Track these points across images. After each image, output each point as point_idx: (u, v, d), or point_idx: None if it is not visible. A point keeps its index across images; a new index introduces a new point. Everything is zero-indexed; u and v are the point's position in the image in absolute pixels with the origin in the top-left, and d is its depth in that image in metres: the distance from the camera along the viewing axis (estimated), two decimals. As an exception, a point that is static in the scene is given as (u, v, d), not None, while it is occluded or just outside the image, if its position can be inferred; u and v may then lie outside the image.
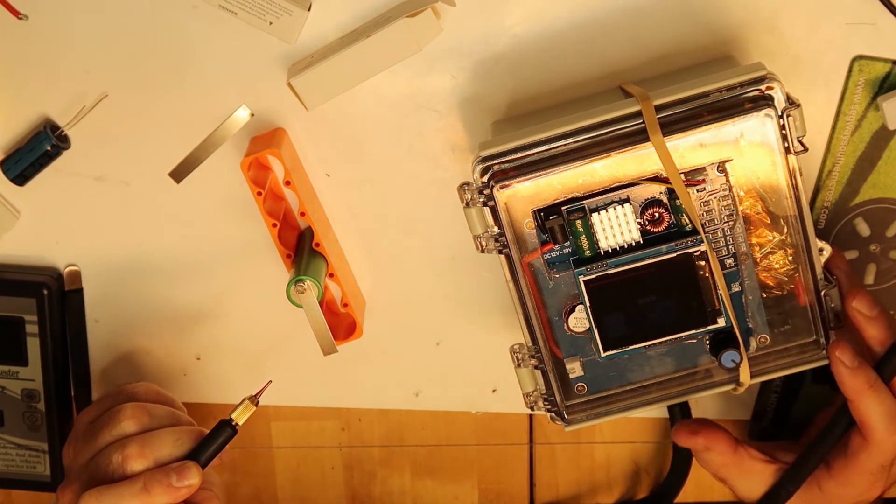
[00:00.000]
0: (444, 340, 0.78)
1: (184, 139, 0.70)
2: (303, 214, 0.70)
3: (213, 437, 0.67)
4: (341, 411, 0.81)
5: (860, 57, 0.68)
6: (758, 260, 0.65)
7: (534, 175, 0.63)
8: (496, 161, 0.63)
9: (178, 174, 0.70)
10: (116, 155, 0.73)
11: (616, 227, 0.64)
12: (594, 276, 0.64)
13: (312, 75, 0.67)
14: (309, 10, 0.67)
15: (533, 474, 0.82)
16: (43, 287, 0.75)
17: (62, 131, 0.72)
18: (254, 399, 0.68)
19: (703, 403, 0.78)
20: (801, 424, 0.77)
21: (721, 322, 0.65)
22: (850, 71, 0.68)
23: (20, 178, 0.72)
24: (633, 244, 0.64)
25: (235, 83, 0.70)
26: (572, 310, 0.66)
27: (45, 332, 0.76)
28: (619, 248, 0.64)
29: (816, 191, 0.71)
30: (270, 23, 0.67)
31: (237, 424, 0.68)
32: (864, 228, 0.72)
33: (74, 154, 0.73)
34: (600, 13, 0.68)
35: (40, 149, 0.71)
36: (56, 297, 0.76)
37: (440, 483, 0.83)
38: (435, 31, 0.65)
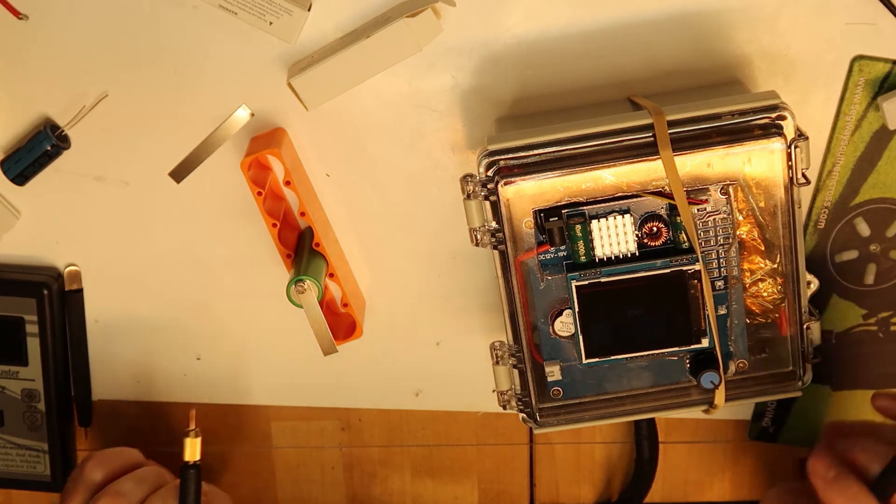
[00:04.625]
0: (444, 340, 0.78)
1: (184, 139, 0.70)
2: (303, 214, 0.70)
3: (187, 485, 0.68)
4: (341, 411, 0.81)
5: (860, 57, 0.68)
6: (747, 286, 0.66)
7: (539, 175, 0.63)
8: (503, 157, 0.63)
9: (178, 174, 0.70)
10: (116, 155, 0.73)
11: (614, 237, 0.64)
12: (586, 282, 0.65)
13: (312, 75, 0.67)
14: (309, 10, 0.67)
15: (533, 474, 0.82)
16: (43, 287, 0.75)
17: (62, 131, 0.72)
18: (192, 432, 0.69)
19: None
20: (800, 425, 0.77)
21: (704, 342, 0.66)
22: (850, 71, 0.68)
23: (20, 178, 0.72)
24: (629, 255, 0.64)
25: (235, 83, 0.70)
26: (559, 314, 0.66)
27: (45, 332, 0.76)
28: (615, 257, 0.64)
29: (816, 191, 0.71)
30: (270, 23, 0.67)
31: (197, 462, 0.68)
32: (864, 228, 0.72)
33: (74, 154, 0.73)
34: (600, 18, 0.68)
35: (40, 149, 0.71)
36: (56, 297, 0.76)
37: (440, 483, 0.83)
38: (435, 31, 0.65)
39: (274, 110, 0.71)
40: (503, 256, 0.65)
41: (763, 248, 0.65)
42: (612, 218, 0.64)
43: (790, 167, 0.63)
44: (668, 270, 0.64)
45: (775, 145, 0.62)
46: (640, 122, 0.63)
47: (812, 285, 0.67)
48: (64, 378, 0.78)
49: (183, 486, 0.68)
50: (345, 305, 0.73)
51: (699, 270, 0.64)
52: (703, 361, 0.67)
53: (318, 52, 0.69)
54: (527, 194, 0.63)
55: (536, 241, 0.65)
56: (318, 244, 0.71)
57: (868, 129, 0.70)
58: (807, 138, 0.62)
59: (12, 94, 0.72)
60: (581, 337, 0.66)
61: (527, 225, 0.64)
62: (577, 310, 0.65)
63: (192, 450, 0.68)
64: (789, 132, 0.62)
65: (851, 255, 0.73)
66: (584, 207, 0.64)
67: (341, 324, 0.74)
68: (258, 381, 0.80)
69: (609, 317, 0.65)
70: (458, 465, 0.82)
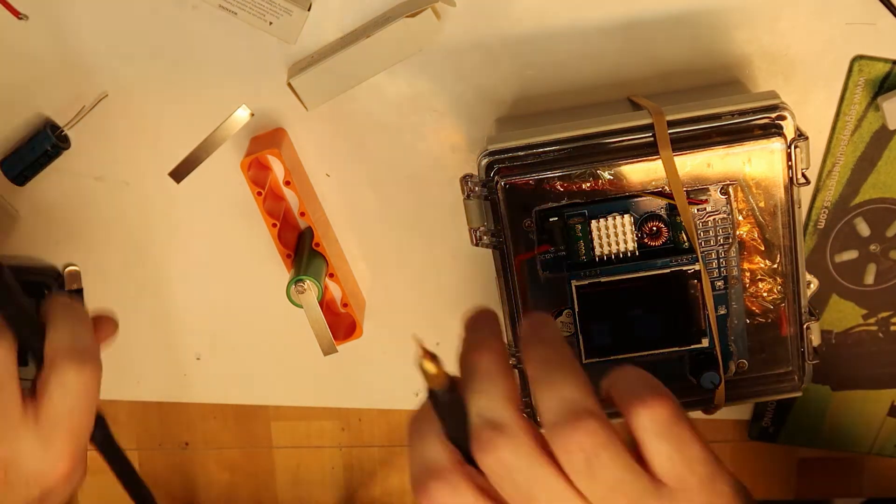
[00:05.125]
0: (444, 340, 0.77)
1: (184, 139, 0.70)
2: (303, 214, 0.70)
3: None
4: (341, 411, 0.81)
5: (860, 57, 0.68)
6: (746, 286, 0.66)
7: (539, 175, 0.63)
8: (503, 157, 0.63)
9: (178, 174, 0.70)
10: (116, 155, 0.73)
11: (613, 237, 0.64)
12: (586, 282, 0.64)
13: (312, 75, 0.67)
14: (309, 10, 0.67)
15: (533, 474, 0.82)
16: (43, 287, 0.75)
17: (62, 131, 0.72)
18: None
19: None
20: (800, 425, 0.77)
21: (704, 342, 0.66)
22: (850, 71, 0.68)
23: (20, 178, 0.72)
24: (629, 255, 0.64)
25: (235, 83, 0.70)
26: (559, 314, 0.66)
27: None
28: (615, 257, 0.64)
29: (816, 191, 0.71)
30: (270, 23, 0.67)
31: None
32: (864, 228, 0.72)
33: (74, 154, 0.73)
34: (600, 18, 0.68)
35: (40, 149, 0.71)
36: (56, 296, 0.76)
37: (440, 483, 0.83)
38: (435, 31, 0.65)
39: (274, 110, 0.71)
40: (503, 256, 0.65)
41: (763, 248, 0.65)
42: (612, 218, 0.64)
43: (790, 167, 0.63)
44: (668, 270, 0.64)
45: (775, 145, 0.62)
46: (640, 122, 0.63)
47: (812, 285, 0.67)
48: (64, 378, 0.78)
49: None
50: (345, 305, 0.73)
51: (699, 270, 0.64)
52: (703, 361, 0.66)
53: (318, 52, 0.69)
54: (527, 194, 0.63)
55: (536, 241, 0.65)
56: (318, 244, 0.71)
57: (868, 129, 0.70)
58: (807, 138, 0.62)
59: (12, 94, 0.72)
60: (581, 337, 0.66)
61: (526, 225, 0.64)
62: (576, 310, 0.65)
63: None
64: (789, 132, 0.62)
65: (851, 255, 0.73)
66: (584, 207, 0.64)
67: (341, 324, 0.74)
68: (258, 381, 0.80)
69: (609, 317, 0.65)
70: (458, 465, 0.82)
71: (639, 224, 0.64)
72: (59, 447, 0.57)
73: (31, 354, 0.58)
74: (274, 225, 0.70)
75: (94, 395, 0.58)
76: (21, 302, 0.57)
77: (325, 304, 0.73)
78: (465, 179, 0.64)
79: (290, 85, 0.67)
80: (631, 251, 0.64)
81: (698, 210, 0.64)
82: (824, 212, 0.72)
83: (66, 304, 0.60)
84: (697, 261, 0.64)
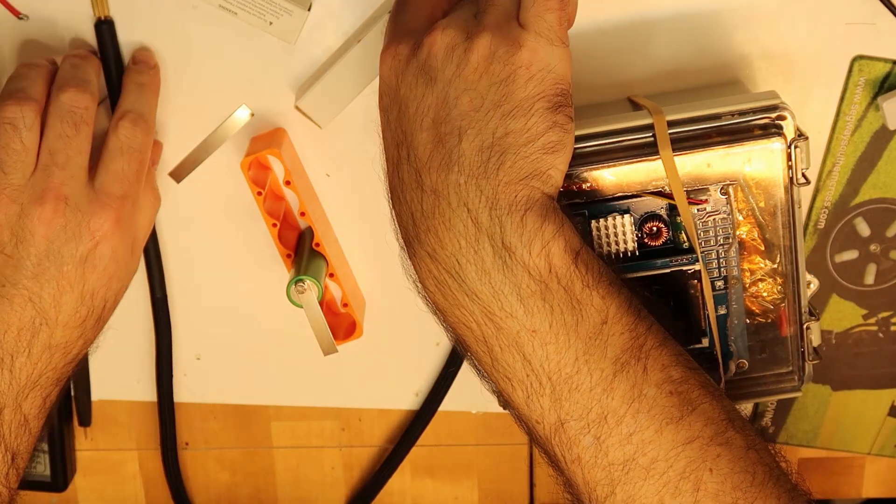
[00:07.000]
0: (444, 340, 0.78)
1: (184, 139, 0.70)
2: (303, 214, 0.70)
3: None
4: (341, 411, 0.81)
5: (860, 57, 0.68)
6: (746, 286, 0.66)
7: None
8: None
9: (178, 174, 0.70)
10: (116, 155, 0.73)
11: (613, 237, 0.64)
12: None
13: (318, 91, 0.67)
14: (309, 10, 0.67)
15: (533, 474, 0.82)
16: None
17: (62, 131, 0.72)
18: None
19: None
20: (800, 425, 0.77)
21: (704, 342, 0.66)
22: (850, 71, 0.68)
23: (20, 178, 0.72)
24: (629, 255, 0.64)
25: (235, 83, 0.70)
26: None
27: (45, 331, 0.76)
28: (615, 257, 0.64)
29: (816, 191, 0.71)
30: (270, 23, 0.67)
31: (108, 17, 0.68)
32: (864, 228, 0.72)
33: (74, 154, 0.72)
34: (600, 18, 0.67)
35: (40, 149, 0.71)
36: (56, 296, 0.76)
37: (440, 483, 0.83)
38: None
39: (274, 110, 0.71)
40: (503, 256, 0.65)
41: (763, 248, 0.65)
42: (612, 218, 0.64)
43: (790, 167, 0.63)
44: (668, 270, 0.64)
45: (775, 145, 0.62)
46: (640, 122, 0.63)
47: (812, 285, 0.67)
48: (64, 378, 0.78)
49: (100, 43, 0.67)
50: (345, 305, 0.73)
51: (699, 270, 0.64)
52: (703, 361, 0.66)
53: (320, 68, 0.69)
54: (527, 194, 0.63)
55: (536, 241, 0.65)
56: (318, 244, 0.71)
57: (868, 129, 0.70)
58: (807, 138, 0.62)
59: (12, 94, 0.72)
60: (581, 337, 0.66)
61: (527, 225, 0.64)
62: (577, 310, 0.65)
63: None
64: (789, 132, 0.62)
65: (851, 255, 0.73)
66: (584, 207, 0.64)
67: (341, 324, 0.74)
68: (258, 381, 0.80)
69: (609, 317, 0.65)
70: (458, 465, 0.82)
71: (639, 224, 0.64)
72: (109, 190, 0.64)
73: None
74: (274, 225, 0.70)
75: (142, 152, 0.65)
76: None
77: (325, 304, 0.73)
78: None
79: (298, 108, 0.67)
80: (631, 251, 0.64)
81: (698, 210, 0.64)
82: (824, 212, 0.72)
83: (139, 81, 0.68)
84: (697, 261, 0.64)
